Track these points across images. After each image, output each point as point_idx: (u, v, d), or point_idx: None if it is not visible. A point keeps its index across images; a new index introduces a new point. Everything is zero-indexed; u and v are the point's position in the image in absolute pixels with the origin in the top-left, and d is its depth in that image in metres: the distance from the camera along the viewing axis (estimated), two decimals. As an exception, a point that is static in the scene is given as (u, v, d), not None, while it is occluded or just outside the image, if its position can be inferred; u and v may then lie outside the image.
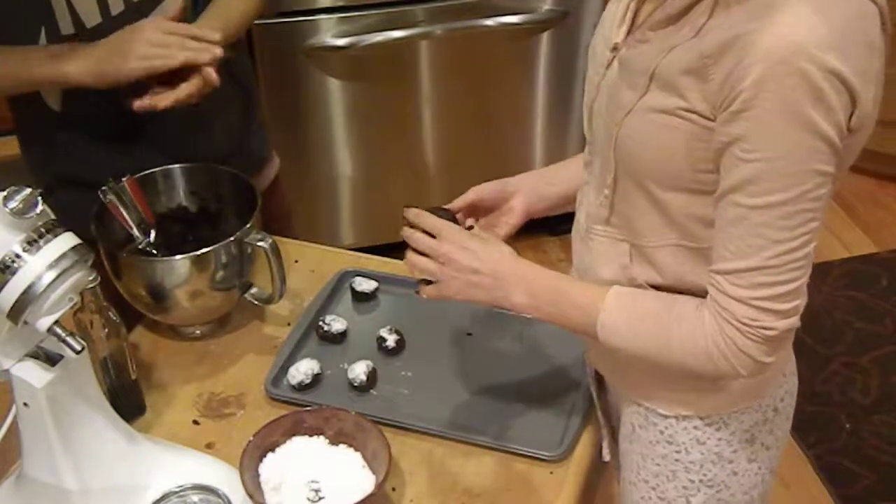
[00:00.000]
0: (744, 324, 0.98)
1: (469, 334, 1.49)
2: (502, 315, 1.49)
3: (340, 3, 2.49)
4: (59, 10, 1.35)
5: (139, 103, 1.34)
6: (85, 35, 1.37)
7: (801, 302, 0.99)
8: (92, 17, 1.37)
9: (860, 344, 2.66)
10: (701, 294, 1.03)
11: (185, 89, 1.34)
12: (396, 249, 2.44)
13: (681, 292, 1.07)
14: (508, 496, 1.25)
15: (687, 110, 0.97)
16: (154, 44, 1.31)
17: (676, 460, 1.19)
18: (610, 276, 1.13)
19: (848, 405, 2.48)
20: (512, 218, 1.28)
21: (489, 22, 2.55)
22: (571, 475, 1.27)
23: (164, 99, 1.33)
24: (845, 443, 2.39)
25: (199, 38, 1.34)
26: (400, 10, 2.51)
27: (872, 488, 2.28)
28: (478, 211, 1.29)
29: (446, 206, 1.23)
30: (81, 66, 1.32)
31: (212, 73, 1.34)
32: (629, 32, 1.06)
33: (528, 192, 1.28)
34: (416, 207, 1.17)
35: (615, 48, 1.07)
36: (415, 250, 1.15)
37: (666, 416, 1.18)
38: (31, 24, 1.35)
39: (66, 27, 1.36)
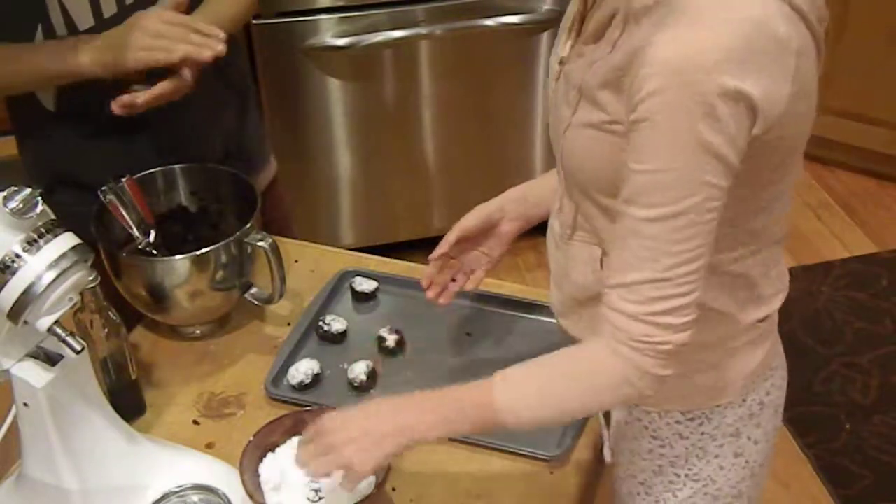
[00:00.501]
0: (640, 342, 0.97)
1: (469, 334, 1.48)
2: (502, 315, 1.50)
3: (340, 3, 2.49)
4: (53, 10, 1.35)
5: (115, 102, 1.32)
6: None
7: (694, 317, 0.98)
8: (84, 20, 1.37)
9: (860, 344, 2.66)
10: None
11: (162, 87, 1.32)
12: (396, 249, 2.43)
13: None
14: (508, 496, 1.25)
15: (611, 122, 0.97)
16: (156, 35, 1.29)
17: (662, 455, 1.20)
18: (583, 281, 1.13)
19: (848, 405, 2.48)
20: (500, 245, 1.30)
21: (489, 22, 2.55)
22: (571, 475, 1.27)
23: (140, 95, 1.32)
24: (845, 443, 2.39)
25: (203, 32, 1.32)
26: (400, 10, 2.51)
27: (872, 488, 2.28)
28: (464, 243, 1.30)
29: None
30: (91, 57, 1.31)
31: (186, 72, 1.32)
32: (573, 46, 1.07)
33: (514, 217, 1.29)
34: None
35: (562, 62, 1.08)
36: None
37: (649, 412, 1.18)
38: (28, 23, 1.35)
39: (60, 28, 1.36)
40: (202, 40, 1.31)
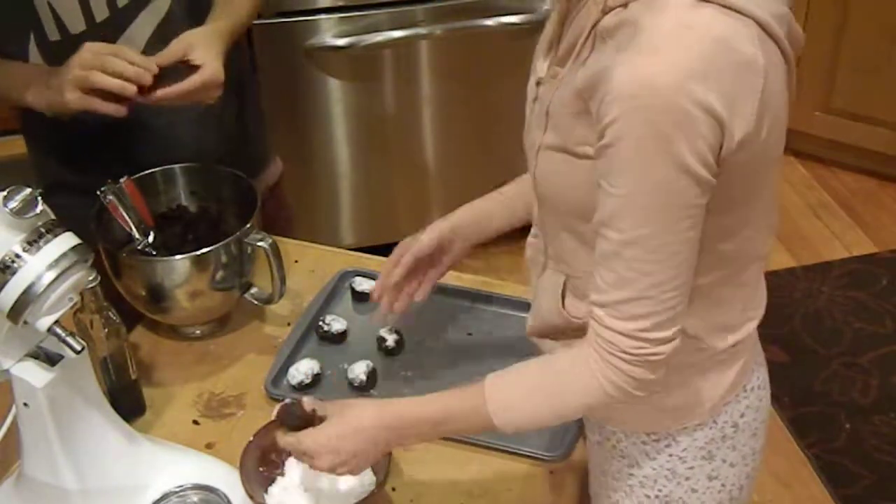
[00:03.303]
0: (630, 354, 0.98)
1: (469, 334, 1.49)
2: (502, 315, 1.50)
3: (340, 3, 2.49)
4: (45, 16, 1.34)
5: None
6: (70, 42, 1.35)
7: (681, 325, 0.98)
8: (76, 24, 1.37)
9: (860, 344, 2.66)
10: None
11: (191, 82, 1.31)
12: (396, 249, 2.40)
13: None
14: (508, 496, 1.25)
15: (578, 145, 0.97)
16: (85, 66, 1.27)
17: (631, 475, 1.17)
18: (547, 311, 1.13)
19: (848, 405, 2.48)
20: (452, 261, 1.30)
21: (489, 22, 2.55)
22: (571, 475, 1.27)
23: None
24: (845, 443, 2.39)
25: (135, 63, 1.29)
26: (400, 10, 2.51)
27: (872, 488, 2.28)
28: (417, 267, 1.29)
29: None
30: (35, 98, 1.33)
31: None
32: (549, 68, 1.06)
33: (466, 238, 1.29)
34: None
35: (539, 83, 1.07)
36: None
37: (615, 432, 1.17)
38: (20, 30, 1.36)
39: (53, 33, 1.36)
40: (135, 70, 1.28)
